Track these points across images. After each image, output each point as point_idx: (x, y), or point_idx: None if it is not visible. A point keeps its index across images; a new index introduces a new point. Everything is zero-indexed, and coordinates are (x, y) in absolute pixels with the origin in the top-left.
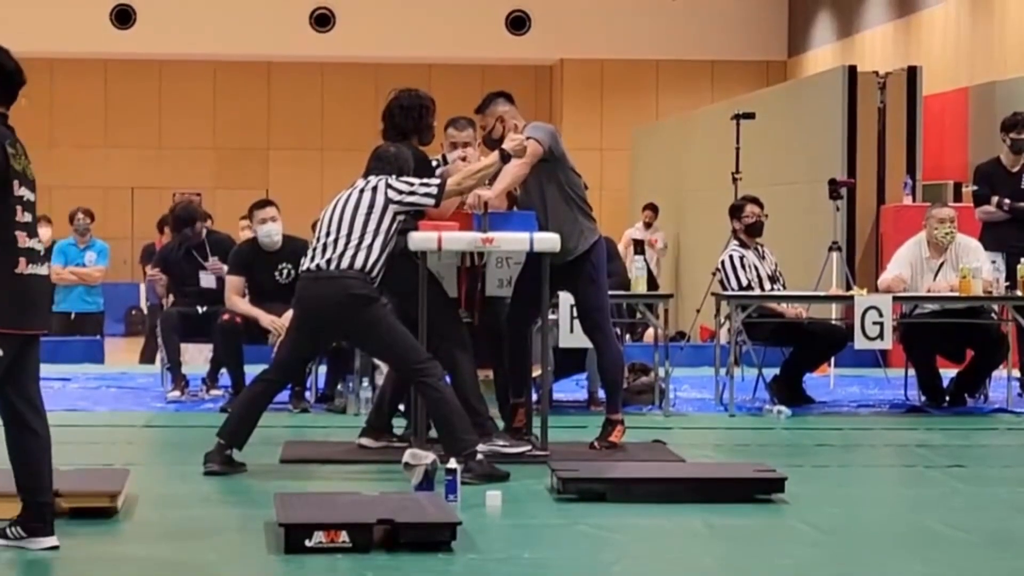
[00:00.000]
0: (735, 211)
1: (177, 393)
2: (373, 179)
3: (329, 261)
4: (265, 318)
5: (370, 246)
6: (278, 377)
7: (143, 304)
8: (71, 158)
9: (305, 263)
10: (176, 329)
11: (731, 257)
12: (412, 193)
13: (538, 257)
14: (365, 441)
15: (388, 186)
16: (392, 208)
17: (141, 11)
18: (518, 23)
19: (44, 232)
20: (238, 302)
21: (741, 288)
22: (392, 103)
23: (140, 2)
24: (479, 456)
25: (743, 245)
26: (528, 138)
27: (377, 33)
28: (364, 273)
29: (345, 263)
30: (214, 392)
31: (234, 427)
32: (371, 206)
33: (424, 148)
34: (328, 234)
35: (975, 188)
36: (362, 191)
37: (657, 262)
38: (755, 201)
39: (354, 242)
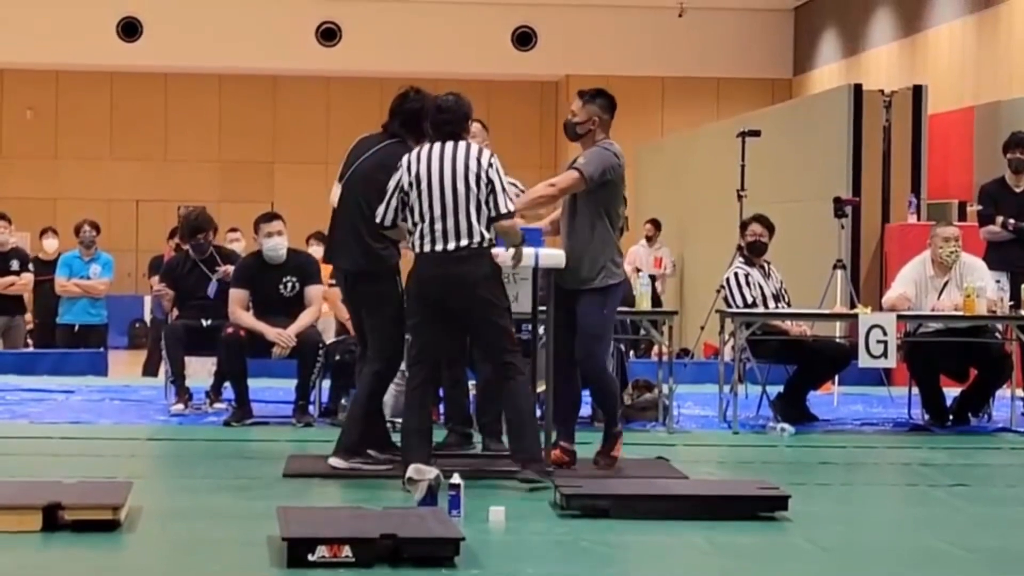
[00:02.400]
0: (742, 227)
1: (181, 406)
2: (475, 146)
3: (459, 236)
4: (270, 331)
5: (487, 221)
6: (432, 374)
7: (147, 316)
8: (76, 170)
9: (428, 242)
10: (181, 342)
11: (735, 275)
12: (501, 189)
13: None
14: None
15: (491, 165)
16: (484, 187)
17: (148, 24)
18: (524, 39)
19: (50, 243)
20: (242, 315)
21: (746, 306)
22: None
23: (147, 15)
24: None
25: (748, 263)
26: (573, 167)
27: (383, 48)
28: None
29: (477, 238)
30: (217, 405)
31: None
32: (478, 179)
33: None
34: (446, 208)
35: (980, 208)
36: (468, 162)
37: (663, 285)
38: (761, 221)
39: (474, 218)
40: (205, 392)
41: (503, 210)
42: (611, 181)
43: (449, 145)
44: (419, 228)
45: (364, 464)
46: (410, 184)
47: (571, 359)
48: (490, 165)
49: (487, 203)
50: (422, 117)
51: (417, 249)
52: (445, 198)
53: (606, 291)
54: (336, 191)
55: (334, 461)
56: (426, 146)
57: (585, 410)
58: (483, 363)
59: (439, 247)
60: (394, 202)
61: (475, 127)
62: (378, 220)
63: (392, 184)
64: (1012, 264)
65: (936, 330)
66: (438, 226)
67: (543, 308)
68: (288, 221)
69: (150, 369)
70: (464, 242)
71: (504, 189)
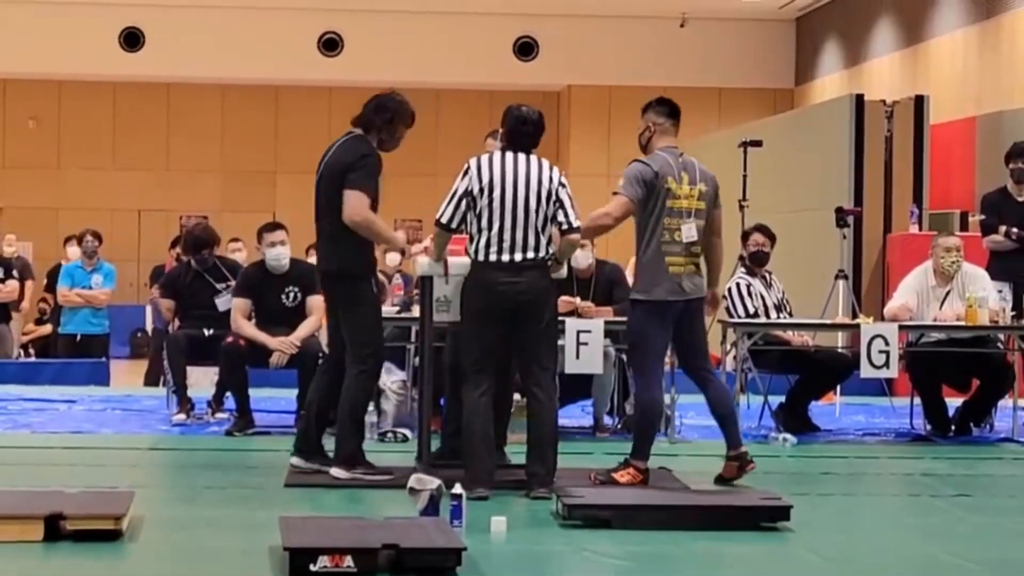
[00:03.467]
0: (743, 237)
1: (183, 416)
2: (546, 165)
3: (526, 248)
4: (272, 341)
5: (549, 237)
6: (491, 382)
7: (148, 326)
8: (78, 180)
9: (495, 251)
10: (183, 352)
11: (737, 285)
12: (570, 206)
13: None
14: (296, 461)
15: (562, 184)
16: (552, 204)
17: (150, 34)
18: (526, 49)
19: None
20: (244, 325)
21: (748, 316)
22: (377, 96)
23: (149, 25)
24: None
25: (750, 272)
26: (616, 193)
27: (385, 58)
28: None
29: (541, 251)
30: (219, 415)
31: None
32: (548, 195)
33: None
34: (516, 220)
35: (983, 217)
36: (540, 177)
37: None
38: (762, 230)
39: (540, 231)
40: (207, 402)
41: (574, 224)
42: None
43: (522, 157)
44: (485, 236)
45: (366, 474)
46: (480, 191)
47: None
48: (561, 184)
49: (554, 219)
50: (382, 111)
51: (482, 257)
52: (517, 210)
53: (634, 304)
54: None
55: (336, 472)
56: (497, 154)
57: (586, 420)
58: (522, 376)
59: (506, 257)
60: (462, 206)
61: (490, 140)
62: (443, 221)
63: (460, 187)
64: (1015, 274)
65: (938, 340)
66: (507, 236)
67: None
68: (290, 231)
69: (151, 379)
70: (531, 255)
71: (573, 205)
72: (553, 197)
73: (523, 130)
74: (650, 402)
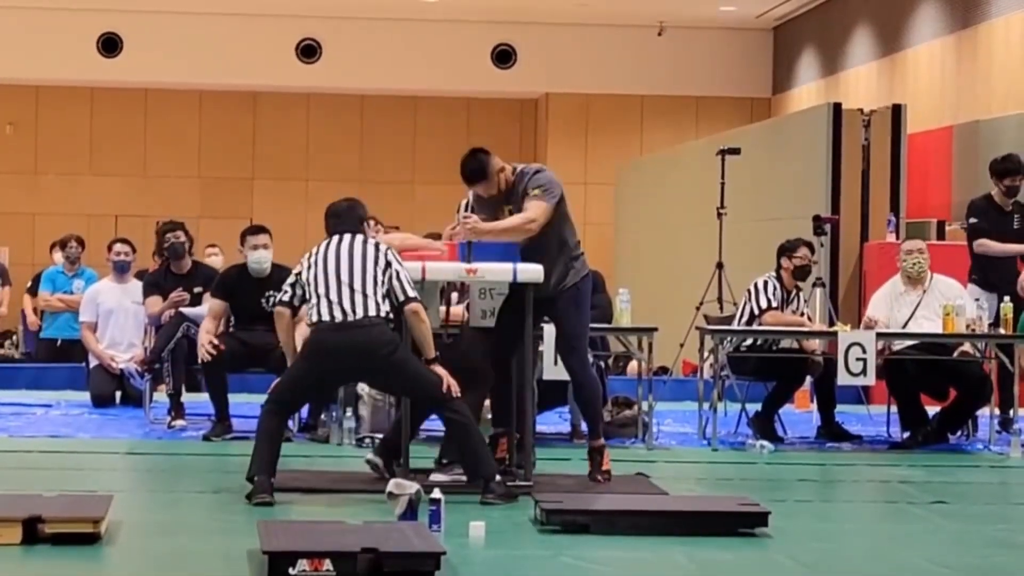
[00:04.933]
0: (786, 251)
1: (182, 422)
2: (371, 240)
3: (354, 310)
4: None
5: (384, 295)
6: (282, 408)
7: None
8: (56, 185)
9: (316, 314)
10: (184, 358)
11: (766, 283)
12: (402, 276)
13: (522, 288)
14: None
15: (391, 252)
16: (389, 272)
17: (128, 40)
18: (504, 57)
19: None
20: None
21: (760, 310)
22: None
23: (127, 31)
24: (498, 478)
25: (778, 279)
26: (536, 196)
27: (363, 65)
28: (386, 319)
29: (371, 311)
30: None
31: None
32: (376, 260)
33: None
34: (340, 284)
35: (974, 221)
36: (364, 244)
37: None
38: (809, 245)
39: (370, 291)
40: (167, 410)
41: (410, 294)
42: (562, 213)
43: (346, 236)
44: (316, 302)
45: (461, 475)
46: (307, 268)
47: (511, 356)
48: (392, 255)
49: (390, 290)
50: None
51: (316, 320)
52: (341, 275)
53: (577, 284)
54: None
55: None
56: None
57: (564, 427)
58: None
59: (339, 317)
60: (295, 286)
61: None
62: (283, 300)
63: (293, 274)
64: (996, 286)
65: (912, 345)
66: (334, 299)
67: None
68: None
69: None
70: (360, 315)
71: (406, 277)
72: (382, 262)
73: (335, 221)
74: (596, 382)
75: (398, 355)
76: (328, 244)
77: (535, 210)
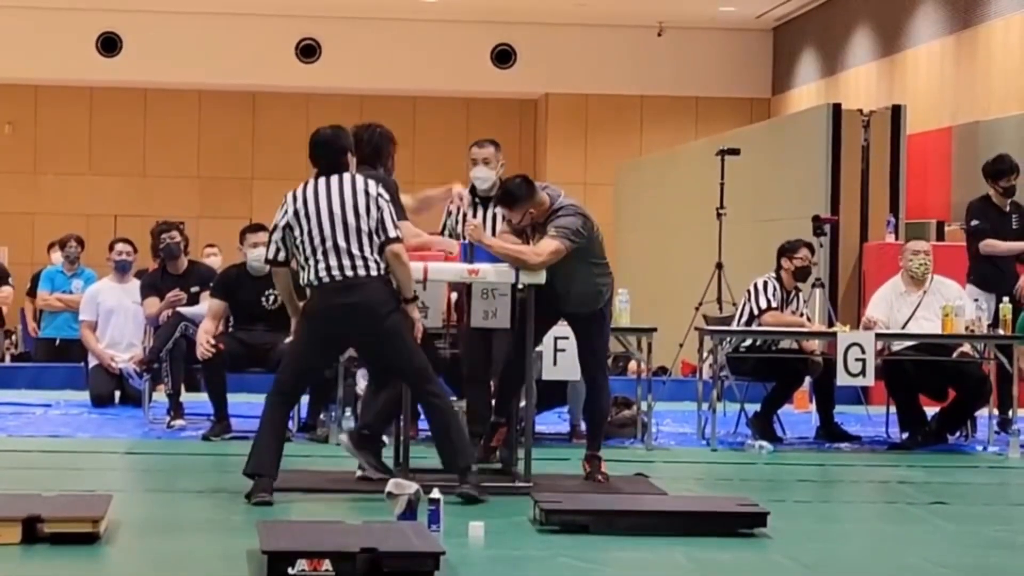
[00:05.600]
0: (786, 251)
1: (181, 422)
2: (359, 180)
3: (354, 268)
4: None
5: (379, 250)
6: (286, 398)
7: None
8: (55, 185)
9: (313, 271)
10: (183, 358)
11: (766, 283)
12: (385, 215)
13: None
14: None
15: (379, 195)
16: (379, 215)
17: (127, 39)
18: (504, 57)
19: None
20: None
21: (760, 310)
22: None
23: (126, 30)
24: (475, 469)
25: (777, 279)
26: (552, 236)
27: (363, 65)
28: (386, 277)
29: (372, 269)
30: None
31: (259, 457)
32: (367, 210)
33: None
34: (336, 243)
35: (976, 223)
36: (354, 192)
37: None
38: (809, 246)
39: (366, 247)
40: (167, 409)
41: (391, 235)
42: (586, 245)
43: (334, 180)
44: (312, 263)
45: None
46: (289, 225)
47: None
48: (380, 195)
49: (378, 232)
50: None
51: (316, 282)
52: (336, 230)
53: (609, 302)
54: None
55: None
56: (311, 182)
57: (563, 427)
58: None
59: (338, 276)
60: (277, 237)
61: (489, 151)
62: (268, 257)
63: (276, 221)
64: (997, 286)
65: (911, 346)
66: (332, 258)
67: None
68: None
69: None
70: (362, 272)
71: (392, 216)
72: (373, 210)
73: (315, 153)
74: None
75: (395, 318)
76: (316, 193)
77: (546, 247)
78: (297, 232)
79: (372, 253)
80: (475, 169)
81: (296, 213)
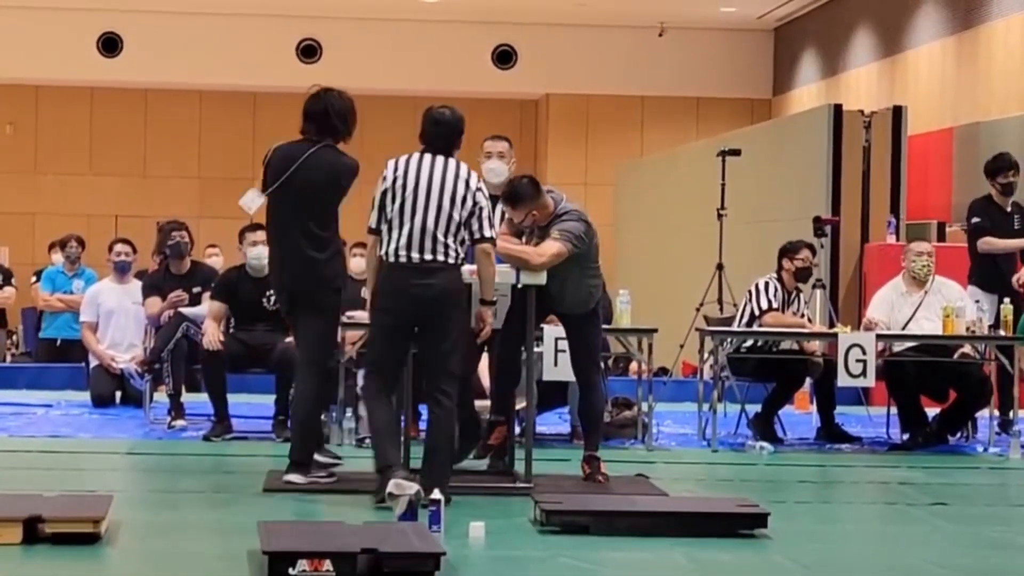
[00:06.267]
0: (788, 252)
1: (182, 422)
2: (464, 169)
3: (434, 251)
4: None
5: (462, 240)
6: (386, 384)
7: None
8: (55, 185)
9: (393, 245)
10: (184, 358)
11: (767, 284)
12: (483, 214)
13: (525, 288)
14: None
15: (479, 189)
16: (474, 210)
17: (128, 39)
18: (504, 57)
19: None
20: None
21: (760, 311)
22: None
23: (127, 30)
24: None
25: (781, 283)
26: (555, 238)
27: (363, 65)
28: (458, 264)
29: (451, 257)
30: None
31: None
32: (463, 202)
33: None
34: (425, 222)
35: (976, 220)
36: (456, 178)
37: None
38: (810, 247)
39: (451, 234)
40: (167, 410)
41: (486, 233)
42: (584, 252)
43: (439, 159)
44: (395, 236)
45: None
46: (387, 191)
47: (519, 351)
48: (479, 190)
49: (467, 225)
50: (330, 115)
51: (392, 258)
52: (429, 211)
53: (599, 303)
54: (253, 198)
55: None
56: (415, 155)
57: (564, 427)
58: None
59: (416, 257)
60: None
61: (503, 145)
62: (371, 226)
63: (378, 191)
64: (998, 286)
65: (912, 347)
66: (416, 237)
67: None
68: None
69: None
70: (441, 257)
71: (489, 215)
72: (469, 202)
73: (434, 131)
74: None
75: (461, 312)
76: (419, 169)
77: (548, 249)
78: (392, 203)
79: (455, 243)
80: (488, 162)
81: (394, 182)
